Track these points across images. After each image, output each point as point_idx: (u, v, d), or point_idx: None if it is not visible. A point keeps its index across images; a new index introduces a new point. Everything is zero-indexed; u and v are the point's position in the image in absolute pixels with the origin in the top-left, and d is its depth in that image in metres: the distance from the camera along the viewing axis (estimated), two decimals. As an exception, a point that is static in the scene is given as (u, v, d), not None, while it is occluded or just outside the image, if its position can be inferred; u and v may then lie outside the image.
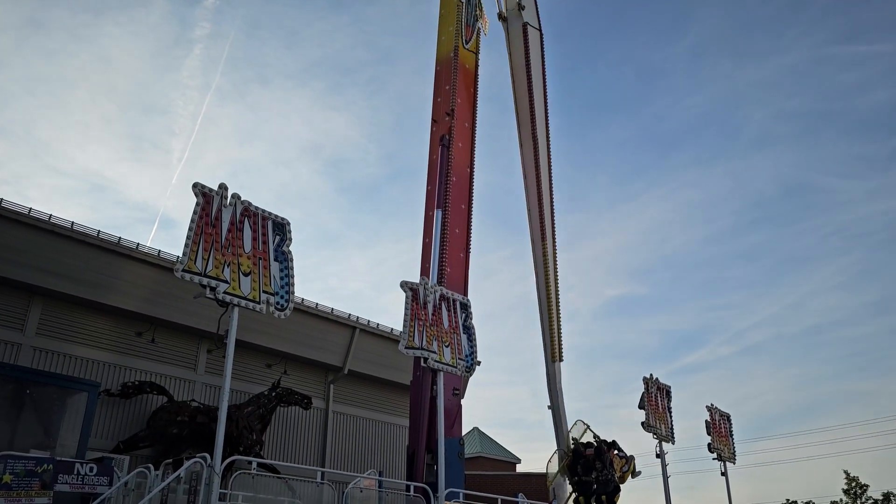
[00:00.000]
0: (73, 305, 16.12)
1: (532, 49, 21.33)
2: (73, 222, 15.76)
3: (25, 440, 12.32)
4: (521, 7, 21.86)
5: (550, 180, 20.96)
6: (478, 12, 20.25)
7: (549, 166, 21.01)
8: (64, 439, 13.10)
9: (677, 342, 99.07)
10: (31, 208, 15.25)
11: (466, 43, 19.34)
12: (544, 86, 21.63)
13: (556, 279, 20.44)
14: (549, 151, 21.08)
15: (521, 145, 21.29)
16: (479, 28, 20.11)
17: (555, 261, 20.46)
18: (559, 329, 20.35)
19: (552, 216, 20.58)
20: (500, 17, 22.34)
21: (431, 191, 17.81)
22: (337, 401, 21.25)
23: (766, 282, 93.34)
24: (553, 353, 20.16)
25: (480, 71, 19.76)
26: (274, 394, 18.11)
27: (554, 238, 20.52)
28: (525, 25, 21.60)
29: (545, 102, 21.50)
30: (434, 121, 18.62)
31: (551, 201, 20.73)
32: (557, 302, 20.39)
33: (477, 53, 19.76)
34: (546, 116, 21.35)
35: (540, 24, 22.23)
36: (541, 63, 21.60)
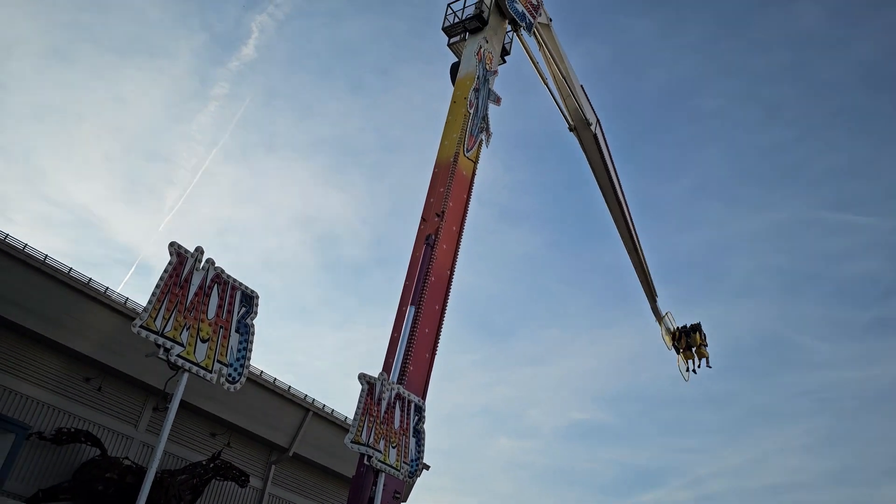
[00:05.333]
0: (27, 339, 15.75)
1: (603, 148, 27.87)
2: (46, 255, 15.66)
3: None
4: (587, 123, 26.73)
5: (643, 253, 30.69)
6: (483, 125, 21.01)
7: (626, 202, 29.66)
8: (-20, 478, 12.54)
9: (635, 478, 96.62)
10: (7, 234, 15.20)
11: (467, 151, 19.94)
12: (616, 171, 28.92)
13: (641, 250, 30.80)
14: (631, 217, 30.03)
15: (615, 221, 29.96)
16: (482, 139, 20.81)
17: (636, 233, 30.67)
18: (650, 274, 31.66)
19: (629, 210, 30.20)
20: (571, 128, 27.24)
21: (409, 286, 17.87)
22: (276, 483, 20.50)
23: (732, 431, 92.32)
24: (652, 294, 32.17)
25: (476, 179, 20.32)
26: (212, 465, 17.51)
27: (633, 218, 30.51)
28: (595, 136, 27.32)
29: (616, 174, 28.90)
30: (423, 219, 18.92)
31: (629, 209, 30.09)
32: (643, 257, 30.97)
33: (476, 163, 20.33)
34: (623, 193, 29.40)
35: (596, 115, 27.63)
36: (608, 152, 28.49)
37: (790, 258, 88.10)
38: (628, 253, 31.31)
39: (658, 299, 33.14)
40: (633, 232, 30.65)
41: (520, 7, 23.71)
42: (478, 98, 21.03)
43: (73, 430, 15.69)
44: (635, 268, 31.71)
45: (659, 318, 32.95)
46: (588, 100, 27.45)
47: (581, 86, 27.19)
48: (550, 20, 26.19)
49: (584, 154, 28.48)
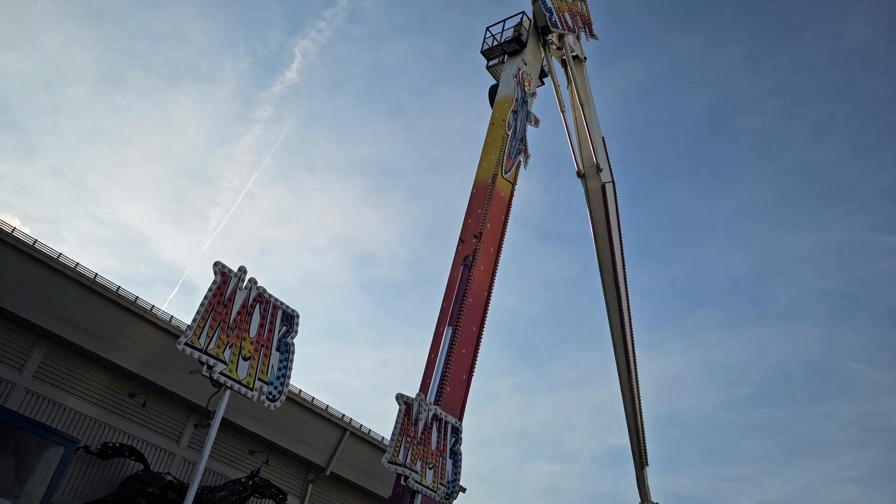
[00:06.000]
0: (76, 355, 16.23)
1: (610, 205, 24.35)
2: (96, 274, 16.13)
3: (-7, 484, 12.16)
4: (598, 169, 24.42)
5: (629, 313, 24.66)
6: (521, 146, 21.15)
7: (628, 300, 24.72)
8: (31, 489, 12.90)
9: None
10: (60, 253, 15.73)
11: (505, 173, 20.09)
12: (619, 230, 24.72)
13: (638, 395, 24.48)
14: (626, 285, 24.79)
15: (603, 285, 24.75)
16: (520, 161, 20.96)
17: (637, 374, 24.58)
18: (644, 437, 24.73)
19: (632, 336, 24.83)
20: (579, 174, 24.83)
21: (446, 307, 17.96)
22: (313, 502, 20.61)
23: (777, 460, 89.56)
24: (641, 460, 24.69)
25: (515, 200, 20.42)
26: (251, 482, 17.71)
27: (634, 348, 24.71)
28: (604, 186, 24.30)
29: (621, 246, 24.69)
30: (461, 240, 19.04)
31: (631, 331, 24.73)
32: (641, 413, 24.56)
33: (514, 184, 20.46)
34: (623, 258, 24.68)
35: (612, 175, 24.99)
36: (616, 215, 24.82)
37: (839, 281, 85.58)
38: (619, 375, 24.54)
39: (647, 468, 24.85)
40: (627, 340, 24.39)
41: (551, 5, 23.56)
42: (516, 120, 21.19)
43: (117, 444, 16.04)
44: (624, 401, 24.62)
45: (644, 497, 24.71)
46: (607, 155, 24.98)
47: (602, 138, 25.16)
48: (585, 58, 26.15)
49: (588, 210, 24.42)
